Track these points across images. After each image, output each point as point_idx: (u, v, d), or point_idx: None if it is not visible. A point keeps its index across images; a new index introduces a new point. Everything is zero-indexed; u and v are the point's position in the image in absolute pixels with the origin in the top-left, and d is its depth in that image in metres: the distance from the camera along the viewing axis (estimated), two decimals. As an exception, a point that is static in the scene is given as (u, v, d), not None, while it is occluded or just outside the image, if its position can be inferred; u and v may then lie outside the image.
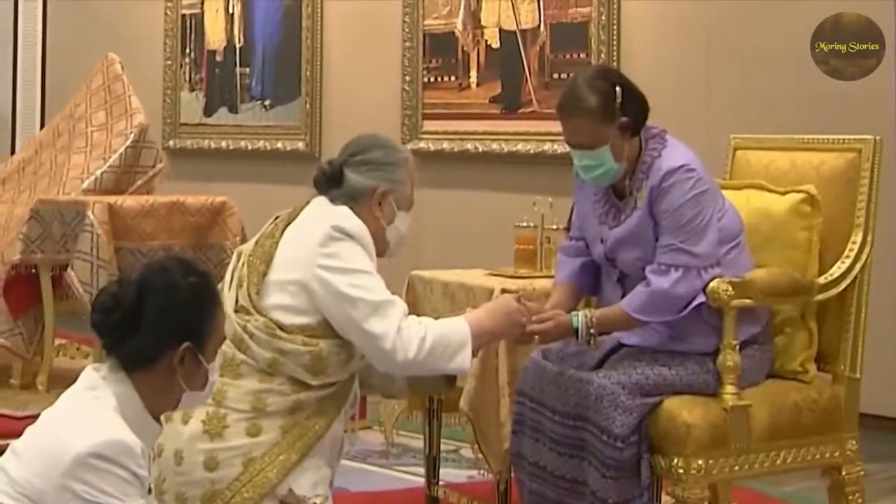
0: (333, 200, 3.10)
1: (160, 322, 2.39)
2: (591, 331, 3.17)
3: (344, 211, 3.05)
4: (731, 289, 3.09)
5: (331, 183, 3.12)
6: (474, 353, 3.06)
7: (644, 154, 3.19)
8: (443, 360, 3.00)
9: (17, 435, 2.44)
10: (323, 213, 3.06)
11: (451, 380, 3.29)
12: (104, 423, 2.33)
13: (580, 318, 3.19)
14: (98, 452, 2.26)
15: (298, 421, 2.95)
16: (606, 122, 3.13)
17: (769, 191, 3.40)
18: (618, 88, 3.15)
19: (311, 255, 2.97)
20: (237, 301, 3.01)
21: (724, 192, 3.30)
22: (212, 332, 2.45)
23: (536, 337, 3.23)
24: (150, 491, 2.39)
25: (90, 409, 2.36)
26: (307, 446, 2.94)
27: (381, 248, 3.10)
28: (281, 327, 2.96)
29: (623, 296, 3.22)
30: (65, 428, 2.33)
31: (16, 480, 2.31)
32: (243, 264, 3.07)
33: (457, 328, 3.02)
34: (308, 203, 3.16)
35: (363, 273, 2.97)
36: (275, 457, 2.90)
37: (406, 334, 2.94)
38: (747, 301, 3.13)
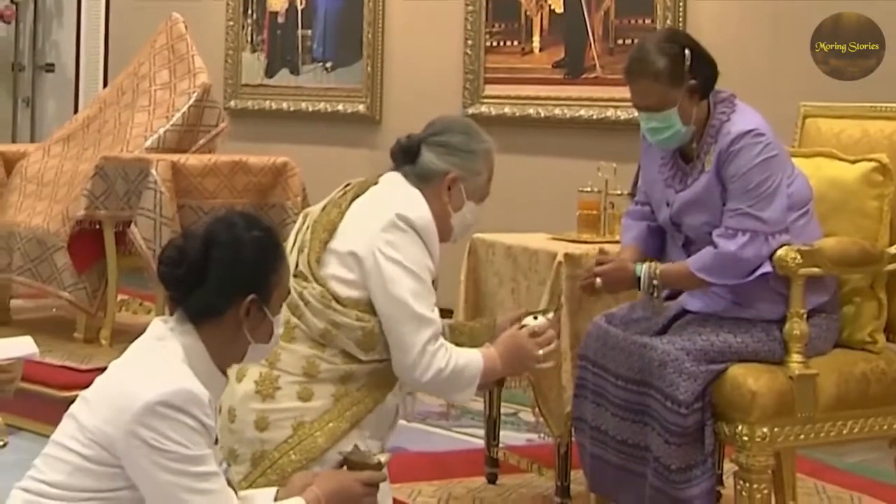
0: (406, 177, 3.06)
1: (225, 275, 2.40)
2: (655, 282, 3.16)
3: (413, 196, 3.00)
4: (799, 257, 3.06)
5: (406, 157, 3.08)
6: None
7: (713, 118, 3.16)
8: (447, 391, 3.03)
9: (82, 387, 2.46)
10: (393, 195, 3.02)
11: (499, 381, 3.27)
12: (173, 372, 2.34)
13: (643, 268, 3.19)
14: (166, 401, 2.28)
15: (350, 391, 2.94)
16: (675, 85, 3.11)
17: (839, 159, 3.36)
18: (686, 51, 3.12)
19: (373, 236, 2.94)
20: (297, 265, 3.01)
21: (794, 160, 3.26)
22: (276, 285, 2.46)
23: (599, 280, 3.21)
24: (216, 441, 2.41)
25: (159, 359, 2.38)
26: (357, 416, 2.93)
27: (445, 234, 3.06)
28: (337, 299, 2.94)
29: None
30: (134, 376, 2.35)
31: (85, 426, 2.34)
32: (308, 228, 3.06)
33: (472, 366, 3.00)
34: (381, 176, 3.12)
35: (413, 275, 2.93)
36: (325, 423, 2.90)
37: (428, 359, 2.92)
38: (815, 270, 3.10)
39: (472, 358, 3.01)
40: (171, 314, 2.47)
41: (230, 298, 2.41)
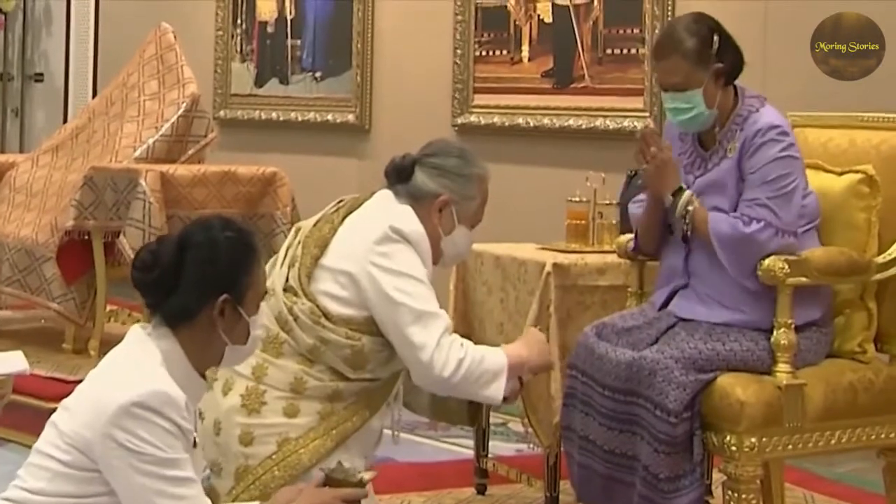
0: (398, 195, 3.07)
1: (198, 276, 2.41)
2: (689, 208, 3.18)
3: (406, 212, 3.02)
4: (786, 266, 3.07)
5: (399, 176, 3.09)
6: (512, 395, 3.07)
7: (741, 108, 3.21)
8: (476, 386, 2.98)
9: (69, 398, 2.47)
10: (385, 210, 3.03)
11: (473, 415, 3.24)
12: (149, 375, 2.35)
13: (688, 191, 3.20)
14: (142, 402, 2.29)
15: (337, 409, 2.94)
16: (701, 65, 3.16)
17: (826, 171, 3.37)
18: (715, 35, 3.18)
19: (366, 251, 2.95)
20: (287, 280, 3.01)
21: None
22: (250, 286, 2.46)
23: (655, 152, 3.20)
24: (195, 444, 2.40)
25: (135, 363, 2.39)
26: (343, 435, 2.93)
27: (435, 256, 3.07)
28: (326, 315, 2.94)
29: (687, 255, 3.23)
30: (110, 380, 2.36)
31: (65, 433, 2.35)
32: (299, 243, 3.06)
33: (495, 357, 3.00)
34: (374, 194, 3.13)
35: (412, 279, 2.93)
36: (310, 441, 2.90)
37: (445, 351, 2.92)
38: (803, 279, 3.10)
39: (489, 349, 3.02)
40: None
41: (203, 300, 2.41)
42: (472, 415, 3.27)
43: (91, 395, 2.37)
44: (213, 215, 2.55)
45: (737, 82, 3.26)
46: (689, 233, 3.20)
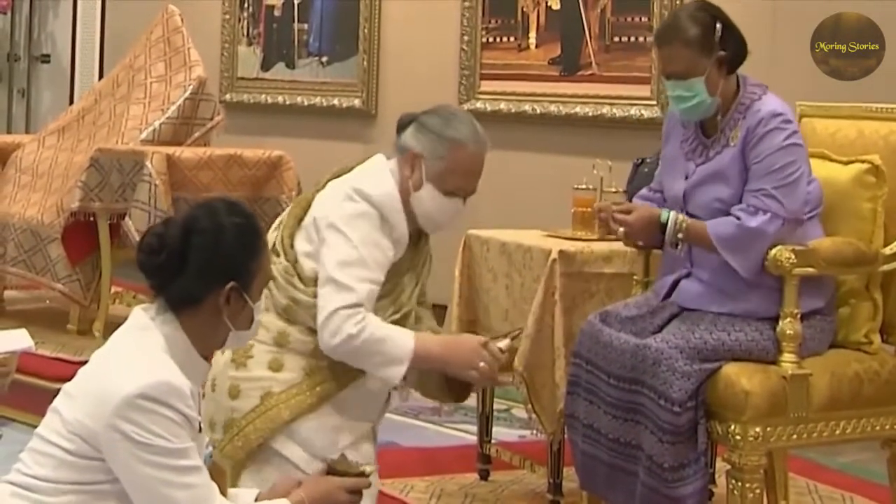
0: (395, 151, 3.14)
1: (205, 262, 2.38)
2: (679, 235, 3.17)
3: (379, 175, 3.06)
4: (793, 257, 3.07)
5: (397, 131, 3.17)
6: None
7: (743, 96, 3.20)
8: (369, 365, 2.97)
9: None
10: (360, 173, 3.10)
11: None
12: (153, 364, 2.33)
13: (671, 216, 3.19)
14: (146, 393, 2.27)
15: (321, 367, 2.98)
16: (704, 53, 3.15)
17: (832, 160, 3.36)
18: (718, 23, 3.17)
19: (332, 207, 3.02)
20: (273, 243, 3.08)
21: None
22: (257, 272, 2.44)
23: (622, 230, 3.22)
24: (199, 430, 2.40)
25: (139, 350, 2.36)
26: (327, 393, 2.97)
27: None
28: (300, 276, 3.01)
29: (690, 246, 3.21)
30: (114, 369, 2.34)
31: (68, 421, 2.33)
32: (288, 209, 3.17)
33: (400, 343, 2.96)
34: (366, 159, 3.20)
35: (352, 245, 2.96)
36: (291, 396, 2.96)
37: (338, 322, 2.91)
38: (810, 269, 3.10)
39: (398, 335, 2.98)
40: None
41: (210, 286, 2.39)
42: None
43: (94, 383, 2.34)
44: (217, 198, 2.52)
45: (739, 71, 3.24)
46: (679, 249, 3.19)
